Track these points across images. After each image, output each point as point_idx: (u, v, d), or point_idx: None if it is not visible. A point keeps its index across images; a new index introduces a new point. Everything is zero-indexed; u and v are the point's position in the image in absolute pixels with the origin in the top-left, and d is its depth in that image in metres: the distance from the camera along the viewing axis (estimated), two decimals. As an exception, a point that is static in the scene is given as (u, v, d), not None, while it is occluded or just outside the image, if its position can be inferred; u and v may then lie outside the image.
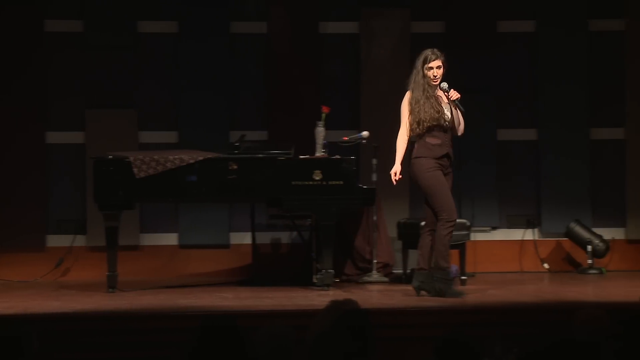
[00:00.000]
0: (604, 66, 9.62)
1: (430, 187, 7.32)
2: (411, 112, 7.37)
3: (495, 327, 6.27)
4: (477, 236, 9.14)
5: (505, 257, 8.20)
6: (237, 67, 9.44)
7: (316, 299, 7.29)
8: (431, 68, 7.34)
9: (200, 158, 7.88)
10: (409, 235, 8.41)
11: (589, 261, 9.23)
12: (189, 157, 7.88)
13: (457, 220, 8.42)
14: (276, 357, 4.00)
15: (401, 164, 7.45)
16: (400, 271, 8.57)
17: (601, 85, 9.63)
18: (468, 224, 8.47)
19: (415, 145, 7.43)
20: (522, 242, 9.45)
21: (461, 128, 7.38)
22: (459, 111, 7.32)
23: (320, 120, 8.19)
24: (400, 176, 7.46)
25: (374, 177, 8.56)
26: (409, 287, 7.72)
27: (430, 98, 7.33)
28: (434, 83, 7.34)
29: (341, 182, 7.89)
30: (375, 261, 8.63)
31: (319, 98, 9.07)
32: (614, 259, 9.39)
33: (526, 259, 9.51)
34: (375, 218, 8.65)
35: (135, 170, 7.78)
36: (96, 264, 8.69)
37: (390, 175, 7.43)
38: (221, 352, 3.66)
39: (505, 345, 5.30)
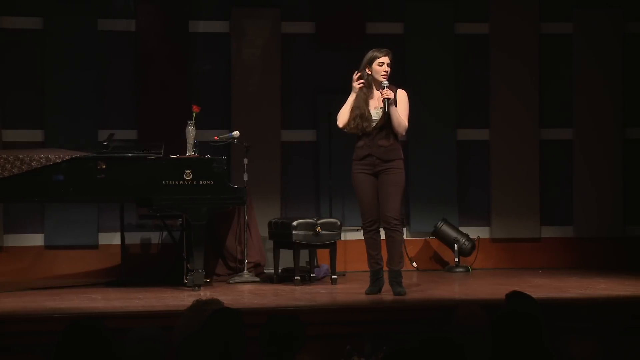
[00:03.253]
0: (470, 70, 9.85)
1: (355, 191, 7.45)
2: (353, 109, 7.32)
3: (366, 325, 6.35)
4: (347, 235, 9.21)
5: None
6: (105, 65, 9.29)
7: (187, 299, 7.22)
8: (382, 64, 7.30)
9: (68, 157, 7.71)
10: (280, 235, 8.44)
11: (456, 260, 9.43)
12: (55, 156, 7.70)
13: (328, 220, 8.49)
14: (146, 359, 3.94)
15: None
16: (272, 271, 8.58)
17: (467, 87, 9.85)
18: (339, 223, 8.54)
19: None
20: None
21: (400, 130, 7.29)
22: (387, 109, 7.24)
23: (190, 119, 8.13)
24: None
25: (245, 177, 8.54)
26: (280, 287, 7.67)
27: (370, 99, 7.31)
28: (383, 79, 7.29)
29: (212, 182, 7.86)
30: (246, 261, 8.62)
31: (190, 97, 9.01)
32: (479, 257, 9.61)
33: (395, 257, 9.63)
34: (246, 218, 8.64)
35: (-2, 169, 7.57)
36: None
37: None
38: (87, 355, 3.59)
39: (374, 343, 5.36)
